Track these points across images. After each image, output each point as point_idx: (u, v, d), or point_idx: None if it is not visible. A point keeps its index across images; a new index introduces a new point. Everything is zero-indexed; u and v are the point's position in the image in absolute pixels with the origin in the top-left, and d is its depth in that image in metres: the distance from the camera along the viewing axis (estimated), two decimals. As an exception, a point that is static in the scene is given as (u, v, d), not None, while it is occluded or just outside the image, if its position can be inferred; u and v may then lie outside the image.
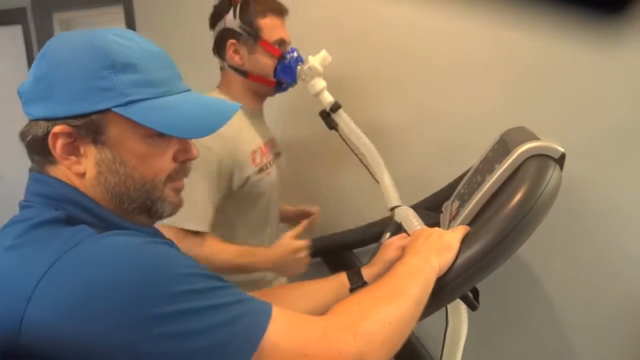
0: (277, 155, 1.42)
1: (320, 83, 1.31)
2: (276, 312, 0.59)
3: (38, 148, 0.61)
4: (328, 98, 1.33)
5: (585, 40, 1.42)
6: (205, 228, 1.15)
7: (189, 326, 0.53)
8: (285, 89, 1.36)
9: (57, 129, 0.59)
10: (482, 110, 1.58)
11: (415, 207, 1.56)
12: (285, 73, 1.28)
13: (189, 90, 0.68)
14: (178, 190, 0.69)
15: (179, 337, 0.52)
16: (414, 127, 1.68)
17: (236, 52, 1.27)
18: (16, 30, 2.24)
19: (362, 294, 0.69)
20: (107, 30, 0.63)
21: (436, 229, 0.88)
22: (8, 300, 0.50)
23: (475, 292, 0.96)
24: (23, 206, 0.62)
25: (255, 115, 1.36)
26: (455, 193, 1.30)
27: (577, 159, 1.42)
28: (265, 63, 1.27)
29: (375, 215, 1.61)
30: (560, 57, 1.46)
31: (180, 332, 0.52)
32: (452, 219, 1.11)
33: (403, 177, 1.71)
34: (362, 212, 1.71)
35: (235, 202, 1.25)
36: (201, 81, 1.18)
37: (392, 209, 1.31)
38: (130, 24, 2.01)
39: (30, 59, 2.22)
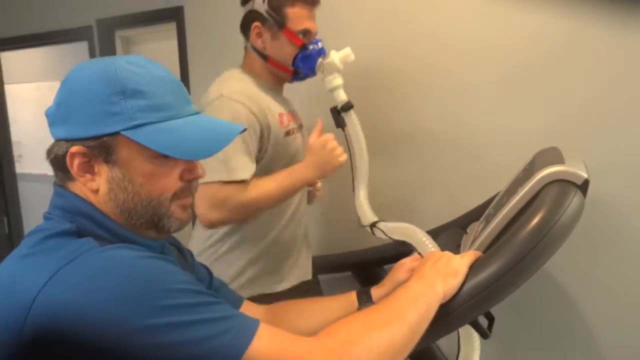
0: (300, 126, 1.43)
1: (337, 80, 1.30)
2: (262, 330, 0.61)
3: (59, 165, 0.67)
4: (342, 96, 1.32)
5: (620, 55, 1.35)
6: (247, 176, 1.17)
7: (176, 338, 0.56)
8: (302, 79, 1.36)
9: (74, 149, 0.65)
10: (522, 127, 1.52)
11: (448, 226, 1.54)
12: (304, 63, 1.29)
13: (197, 113, 0.72)
14: (185, 207, 0.73)
15: (166, 348, 0.56)
16: (450, 141, 1.64)
17: (259, 35, 1.29)
18: (82, 46, 2.45)
19: (356, 317, 0.70)
20: (122, 58, 0.69)
21: (446, 252, 0.86)
22: (13, 304, 0.56)
23: (491, 319, 0.93)
24: (45, 217, 0.69)
25: (276, 91, 1.37)
26: (484, 214, 1.26)
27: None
28: (286, 51, 1.28)
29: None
30: (603, 76, 1.39)
31: (168, 344, 0.56)
32: (474, 240, 1.08)
33: (440, 188, 1.69)
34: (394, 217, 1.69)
35: (267, 162, 1.27)
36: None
37: (372, 226, 1.30)
38: (182, 39, 2.13)
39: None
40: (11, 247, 2.94)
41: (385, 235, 1.25)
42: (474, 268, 0.82)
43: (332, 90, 1.31)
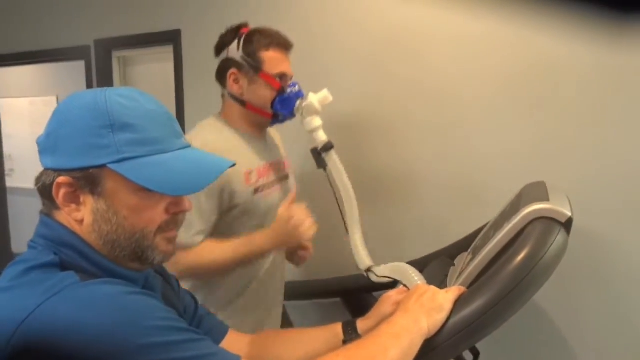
0: (284, 177, 1.41)
1: (315, 121, 1.29)
2: None
3: (46, 194, 0.67)
4: (322, 137, 1.30)
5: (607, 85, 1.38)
6: (196, 243, 1.16)
7: None
8: (281, 121, 1.36)
9: (60, 179, 0.65)
10: (513, 158, 1.55)
11: (437, 255, 1.54)
12: (283, 105, 1.29)
13: (187, 146, 0.73)
14: (170, 240, 0.72)
15: None
16: (441, 170, 1.67)
17: (236, 81, 1.29)
18: (80, 65, 2.47)
19: (338, 354, 0.70)
20: (115, 90, 0.69)
21: (431, 287, 0.87)
22: None
23: (476, 354, 0.94)
24: (29, 246, 0.68)
25: (255, 139, 1.35)
26: (472, 245, 1.27)
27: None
28: (264, 94, 1.28)
29: (398, 258, 1.60)
30: (594, 111, 1.42)
31: None
32: (461, 273, 1.09)
33: (428, 220, 1.71)
34: (385, 254, 1.70)
35: (229, 221, 1.25)
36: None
37: (368, 270, 1.26)
38: (178, 61, 2.16)
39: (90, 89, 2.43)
40: (-3, 263, 2.90)
41: (378, 277, 1.22)
42: (458, 303, 0.83)
43: (312, 131, 1.30)
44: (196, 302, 0.92)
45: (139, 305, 0.61)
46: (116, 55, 2.39)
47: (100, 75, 2.40)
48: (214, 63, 2.07)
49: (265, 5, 1.92)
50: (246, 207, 1.26)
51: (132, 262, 0.70)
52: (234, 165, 0.73)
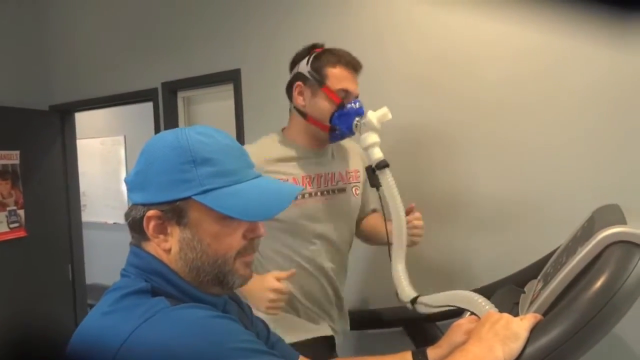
0: (332, 190, 1.42)
1: (372, 138, 1.29)
2: None
3: (136, 227, 0.74)
4: (377, 154, 1.29)
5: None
6: None
7: None
8: (340, 138, 1.38)
9: (150, 213, 0.71)
10: (579, 182, 1.50)
11: (503, 283, 1.50)
12: (341, 120, 1.32)
13: (258, 176, 0.78)
14: (248, 264, 0.77)
15: None
16: (508, 193, 1.63)
17: (300, 93, 1.36)
18: (147, 106, 2.66)
19: None
20: (193, 128, 0.75)
21: (504, 314, 0.85)
22: (97, 358, 0.61)
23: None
24: (122, 274, 0.75)
25: (309, 152, 1.39)
26: (542, 271, 1.23)
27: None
28: (324, 108, 1.32)
29: (463, 287, 1.56)
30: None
31: None
32: (533, 301, 1.05)
33: (494, 247, 1.66)
34: (439, 282, 1.66)
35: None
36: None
37: (413, 302, 1.21)
38: (238, 99, 2.27)
39: (157, 127, 2.60)
40: (74, 294, 3.08)
41: (430, 308, 1.18)
42: (534, 332, 0.80)
43: (368, 147, 1.30)
44: (268, 329, 0.95)
45: (223, 328, 0.65)
46: (181, 95, 2.56)
47: (167, 114, 2.56)
48: (272, 99, 2.17)
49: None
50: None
51: (214, 287, 0.75)
52: (302, 190, 0.77)
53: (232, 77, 2.27)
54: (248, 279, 0.78)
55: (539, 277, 1.22)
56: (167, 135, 0.75)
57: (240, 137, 2.26)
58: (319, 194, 1.39)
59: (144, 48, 2.62)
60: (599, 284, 0.80)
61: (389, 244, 1.33)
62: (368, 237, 1.59)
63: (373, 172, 1.30)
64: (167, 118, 2.57)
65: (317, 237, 1.39)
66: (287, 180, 1.32)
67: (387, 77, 1.82)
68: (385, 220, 1.36)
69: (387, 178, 1.29)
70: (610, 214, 1.04)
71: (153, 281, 0.71)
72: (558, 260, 1.12)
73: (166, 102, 2.56)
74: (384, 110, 1.30)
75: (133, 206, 0.74)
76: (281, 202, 0.74)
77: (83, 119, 3.44)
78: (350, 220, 1.49)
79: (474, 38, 1.67)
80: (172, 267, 0.73)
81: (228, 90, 2.30)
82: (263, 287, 1.17)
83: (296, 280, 1.32)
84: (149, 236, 0.73)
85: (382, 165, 1.28)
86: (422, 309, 1.20)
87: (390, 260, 1.32)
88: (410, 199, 1.34)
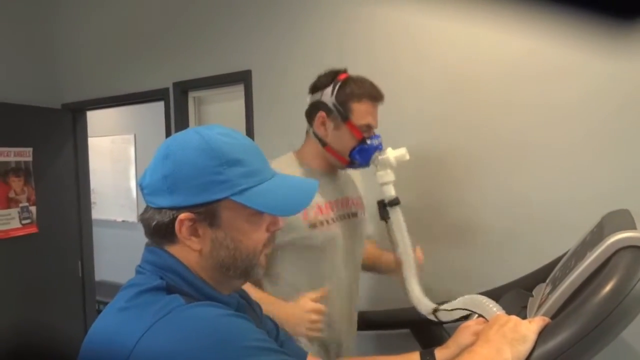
0: (347, 215, 1.44)
1: (388, 176, 1.34)
2: None
3: (162, 231, 0.74)
4: (391, 192, 1.34)
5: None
6: None
7: None
8: (355, 168, 1.40)
9: (182, 216, 0.71)
10: (590, 187, 1.50)
11: (510, 286, 1.50)
12: (361, 155, 1.34)
13: (275, 174, 0.79)
14: (266, 256, 0.80)
15: None
16: (510, 206, 1.63)
17: (323, 124, 1.34)
18: (158, 105, 2.69)
19: None
20: (210, 128, 0.76)
21: (512, 317, 0.85)
22: (113, 353, 0.63)
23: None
24: (137, 271, 0.76)
25: (324, 177, 1.39)
26: (550, 276, 1.23)
27: None
28: (346, 142, 1.33)
29: (469, 290, 1.57)
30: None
31: None
32: (541, 305, 1.06)
33: (502, 250, 1.67)
34: (457, 287, 1.67)
35: (284, 255, 1.31)
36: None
37: (435, 312, 1.24)
38: (249, 99, 2.29)
39: (168, 127, 2.62)
40: (83, 290, 3.12)
41: (451, 313, 1.20)
42: (543, 335, 0.81)
43: (383, 184, 1.35)
44: (277, 327, 0.96)
45: (237, 327, 0.66)
46: (192, 95, 2.58)
47: (178, 114, 2.59)
48: (282, 100, 2.19)
49: (331, 46, 2.01)
50: (301, 241, 1.31)
51: (238, 279, 0.77)
52: (317, 184, 0.79)
53: (242, 78, 2.28)
54: (264, 269, 0.80)
55: (547, 281, 1.22)
56: (189, 137, 0.75)
57: (250, 137, 2.27)
58: (339, 219, 1.41)
59: (155, 48, 2.64)
60: (608, 288, 0.80)
61: (397, 267, 1.36)
62: (364, 265, 1.59)
63: (384, 207, 1.35)
64: (178, 118, 2.60)
65: (342, 262, 1.41)
66: (313, 207, 1.34)
67: (398, 80, 1.83)
68: (393, 249, 1.38)
69: (397, 215, 1.34)
70: (620, 218, 1.04)
71: (168, 278, 0.72)
72: (567, 264, 1.13)
73: (177, 102, 2.58)
74: (402, 150, 1.33)
75: (155, 210, 0.74)
76: (306, 195, 0.78)
77: (94, 118, 3.48)
78: (363, 244, 1.52)
79: (479, 60, 1.69)
80: (197, 267, 0.74)
81: (239, 90, 2.32)
82: (302, 311, 1.20)
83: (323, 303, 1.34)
84: (179, 239, 0.73)
85: (395, 203, 1.34)
86: (443, 316, 1.23)
87: (404, 285, 1.34)
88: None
